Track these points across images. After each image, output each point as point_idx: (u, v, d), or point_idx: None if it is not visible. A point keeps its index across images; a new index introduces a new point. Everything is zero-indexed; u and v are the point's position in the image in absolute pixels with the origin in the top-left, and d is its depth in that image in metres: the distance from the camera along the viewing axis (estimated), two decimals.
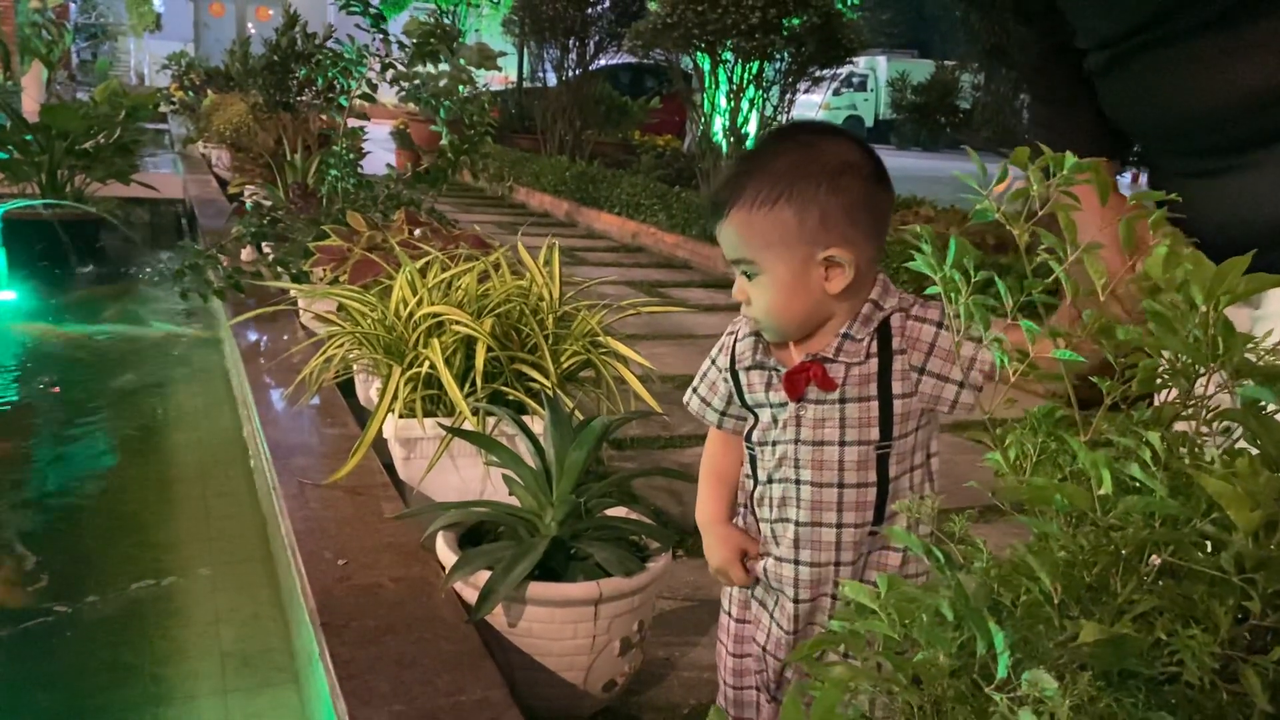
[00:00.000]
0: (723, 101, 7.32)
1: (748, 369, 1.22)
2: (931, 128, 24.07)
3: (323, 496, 2.06)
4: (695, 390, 1.30)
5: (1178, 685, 0.55)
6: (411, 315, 2.26)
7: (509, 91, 13.39)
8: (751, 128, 7.32)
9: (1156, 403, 0.66)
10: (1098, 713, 0.53)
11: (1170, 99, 1.06)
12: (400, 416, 2.08)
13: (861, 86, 27.71)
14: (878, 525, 1.17)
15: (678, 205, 6.99)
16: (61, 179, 5.75)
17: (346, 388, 2.71)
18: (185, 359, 4.22)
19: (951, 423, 1.26)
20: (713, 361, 1.28)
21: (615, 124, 11.72)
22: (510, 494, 1.73)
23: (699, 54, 7.30)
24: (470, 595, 1.56)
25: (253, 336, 3.34)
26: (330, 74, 4.39)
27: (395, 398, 2.10)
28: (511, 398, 2.15)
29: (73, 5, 19.16)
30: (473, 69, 4.39)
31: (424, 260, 2.52)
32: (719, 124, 7.45)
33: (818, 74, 7.54)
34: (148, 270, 5.81)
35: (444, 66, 4.26)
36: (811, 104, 14.92)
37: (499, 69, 6.46)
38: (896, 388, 1.14)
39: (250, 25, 28.25)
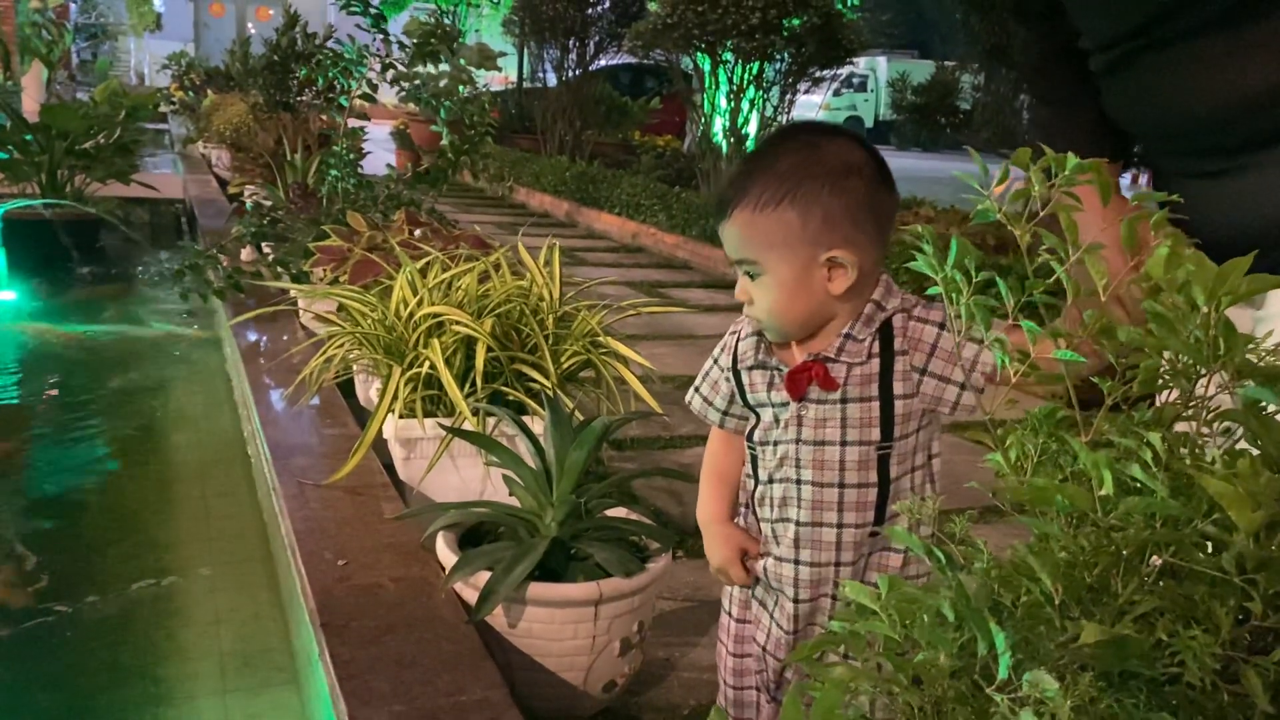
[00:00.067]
0: (723, 102, 7.33)
1: (750, 368, 1.22)
2: (931, 128, 24.07)
3: (323, 497, 2.06)
4: (697, 390, 1.30)
5: (1179, 686, 0.55)
6: (412, 315, 2.26)
7: (509, 92, 13.39)
8: (751, 128, 7.33)
9: (1157, 403, 0.66)
10: (1099, 713, 0.53)
11: (1172, 99, 1.06)
12: (400, 417, 2.08)
13: (861, 87, 27.72)
14: (878, 526, 1.17)
15: (678, 206, 6.99)
16: (61, 179, 5.75)
17: (346, 388, 2.71)
18: (185, 359, 4.22)
19: (952, 423, 1.27)
20: (715, 361, 1.28)
21: (615, 124, 11.73)
22: (510, 494, 1.73)
23: (699, 54, 7.31)
24: (470, 596, 1.56)
25: (253, 337, 3.34)
26: (330, 74, 4.39)
27: (395, 398, 2.10)
28: (511, 398, 2.15)
29: (73, 5, 19.16)
30: (473, 69, 4.39)
31: (424, 260, 2.52)
32: (719, 124, 7.45)
33: (818, 74, 7.55)
34: (148, 270, 5.81)
35: (444, 67, 4.26)
36: (811, 105, 14.91)
37: (499, 69, 6.47)
38: (898, 388, 1.14)
39: (250, 25, 28.24)
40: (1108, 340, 0.64)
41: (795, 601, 1.20)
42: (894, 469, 1.16)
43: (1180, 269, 0.59)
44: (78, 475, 3.04)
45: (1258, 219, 1.00)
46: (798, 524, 1.18)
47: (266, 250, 3.86)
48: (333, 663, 1.43)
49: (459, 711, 1.34)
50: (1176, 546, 0.56)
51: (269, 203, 4.30)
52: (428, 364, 2.12)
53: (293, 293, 3.19)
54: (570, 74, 10.72)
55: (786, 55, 7.20)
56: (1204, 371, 0.60)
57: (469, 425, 2.02)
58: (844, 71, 8.37)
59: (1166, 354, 0.61)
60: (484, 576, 1.53)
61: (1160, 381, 0.63)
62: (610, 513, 1.73)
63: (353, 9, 4.12)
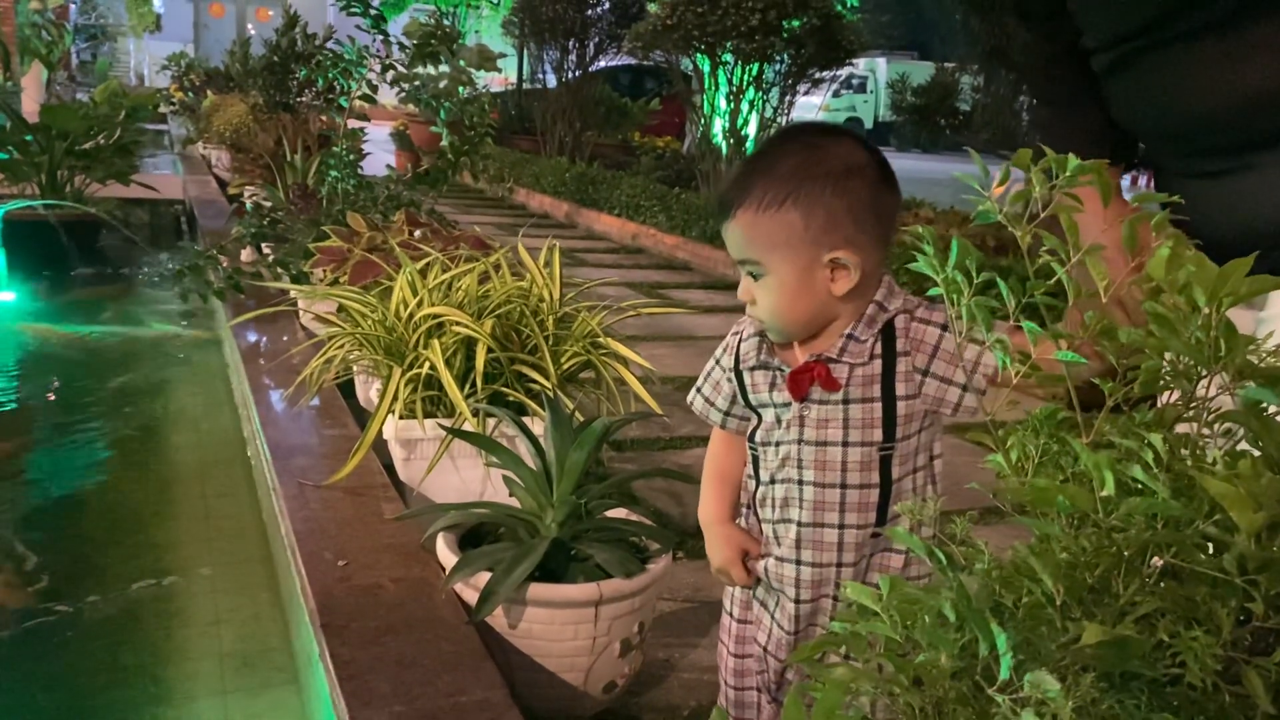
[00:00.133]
0: (722, 103, 7.33)
1: (752, 369, 1.22)
2: (931, 130, 24.04)
3: (323, 497, 2.06)
4: (699, 390, 1.30)
5: (1180, 687, 0.55)
6: (412, 316, 2.26)
7: (509, 93, 13.40)
8: (751, 129, 7.33)
9: (1159, 405, 0.66)
10: (1100, 714, 0.53)
11: (1173, 100, 1.06)
12: (400, 417, 2.08)
13: (861, 88, 27.73)
14: (880, 526, 1.17)
15: (677, 207, 6.99)
16: (61, 179, 5.75)
17: (346, 389, 2.71)
18: (185, 360, 4.22)
19: (953, 424, 1.26)
20: (717, 361, 1.28)
21: (615, 125, 11.73)
22: (510, 495, 1.73)
23: (699, 56, 7.31)
24: (470, 596, 1.56)
25: (253, 337, 3.34)
26: (330, 75, 4.39)
27: (395, 399, 2.10)
28: (512, 399, 2.15)
29: (73, 5, 19.17)
30: (473, 70, 4.39)
31: (424, 261, 2.52)
32: (719, 126, 7.45)
33: (817, 76, 7.55)
34: (147, 271, 5.81)
35: (444, 68, 4.26)
36: (811, 106, 14.89)
37: (499, 70, 6.46)
38: (900, 389, 1.14)
39: (250, 26, 28.25)
40: (1109, 341, 0.64)
41: (796, 602, 1.20)
42: (896, 470, 1.16)
43: (1181, 270, 0.59)
44: (78, 476, 3.04)
45: (1258, 219, 1.00)
46: (799, 524, 1.18)
47: (266, 251, 3.86)
48: (333, 663, 1.43)
49: (459, 712, 1.34)
50: (1178, 547, 0.56)
51: (269, 203, 4.30)
52: (428, 365, 2.12)
53: (293, 293, 3.19)
54: (570, 75, 10.72)
55: (786, 56, 7.19)
56: (1205, 373, 0.60)
57: (469, 426, 2.02)
58: (843, 73, 8.36)
59: (1168, 355, 0.61)
60: (484, 577, 1.53)
61: (1161, 383, 0.63)
62: (610, 513, 1.73)
63: (353, 10, 4.12)
